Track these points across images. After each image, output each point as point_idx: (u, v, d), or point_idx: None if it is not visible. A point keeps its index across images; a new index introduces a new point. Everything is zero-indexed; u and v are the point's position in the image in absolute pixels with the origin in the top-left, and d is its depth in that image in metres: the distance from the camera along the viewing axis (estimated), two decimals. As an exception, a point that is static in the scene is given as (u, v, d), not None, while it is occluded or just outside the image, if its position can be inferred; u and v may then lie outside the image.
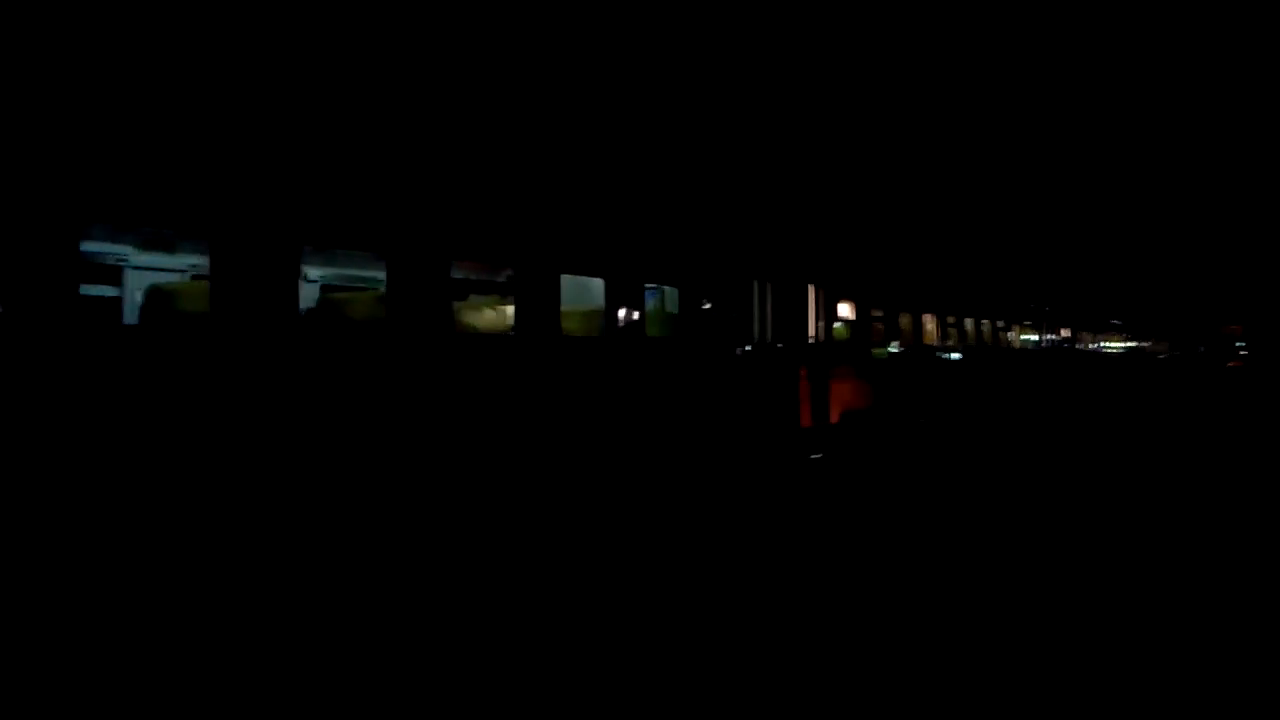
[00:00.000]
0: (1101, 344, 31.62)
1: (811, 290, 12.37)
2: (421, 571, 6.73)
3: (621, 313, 9.43)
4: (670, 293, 10.52)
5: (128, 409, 5.40)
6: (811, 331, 12.30)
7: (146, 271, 7.85)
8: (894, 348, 14.10)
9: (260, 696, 4.21)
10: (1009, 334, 20.19)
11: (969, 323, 16.97)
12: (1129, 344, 35.90)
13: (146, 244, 7.70)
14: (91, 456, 5.21)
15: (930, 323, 15.39)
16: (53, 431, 5.04)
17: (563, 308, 8.74)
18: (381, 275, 7.78)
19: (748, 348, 11.08)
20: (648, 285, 9.92)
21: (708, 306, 10.56)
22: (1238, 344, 56.57)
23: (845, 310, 12.99)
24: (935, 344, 15.53)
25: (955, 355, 16.32)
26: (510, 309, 8.40)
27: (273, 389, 6.20)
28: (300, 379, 6.38)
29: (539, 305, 8.39)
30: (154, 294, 6.94)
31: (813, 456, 11.84)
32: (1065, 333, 25.41)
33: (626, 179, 10.30)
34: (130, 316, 7.56)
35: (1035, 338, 22.73)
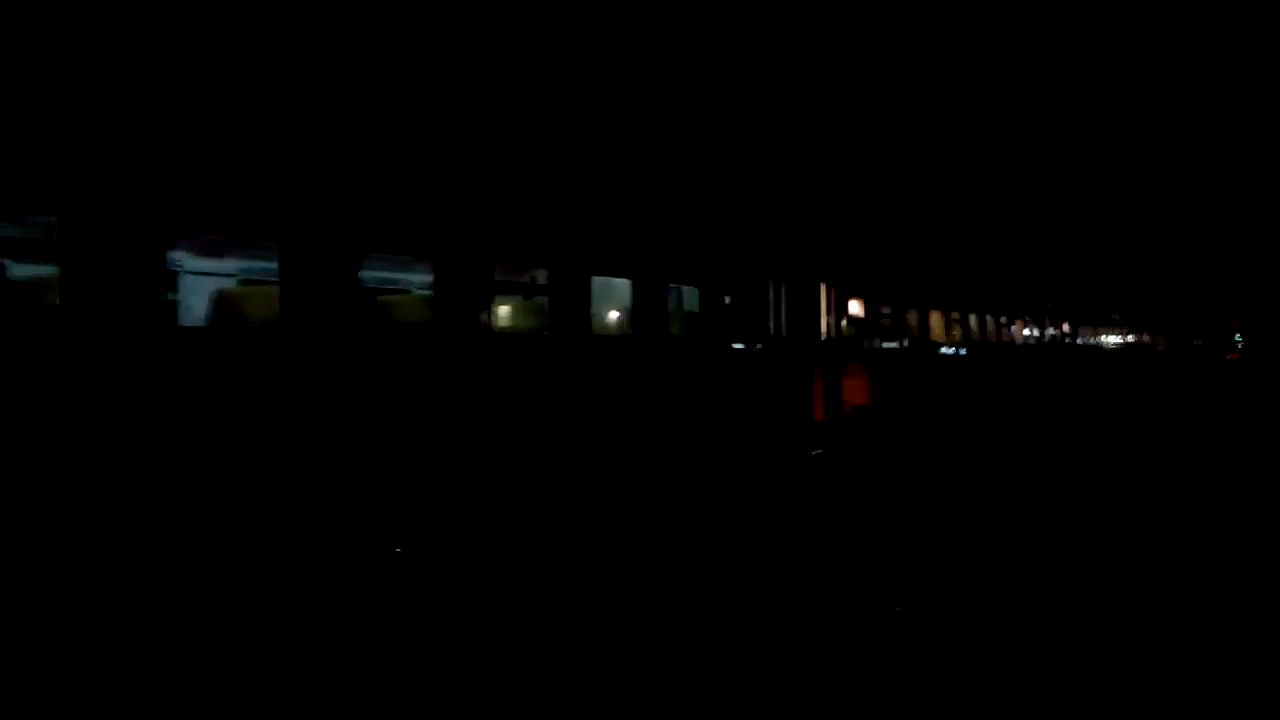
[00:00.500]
0: (1101, 338, 32.13)
1: (823, 288, 12.86)
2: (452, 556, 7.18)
3: (647, 311, 9.92)
4: (690, 292, 11.01)
5: (208, 406, 5.88)
6: (824, 328, 12.80)
7: (200, 276, 8.35)
8: (895, 343, 14.59)
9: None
10: (1010, 328, 20.68)
11: (973, 318, 17.48)
12: (1128, 338, 36.41)
13: (202, 250, 8.18)
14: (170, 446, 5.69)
15: (936, 318, 15.89)
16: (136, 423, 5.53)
17: (592, 307, 9.23)
18: (417, 278, 8.31)
19: (759, 345, 11.57)
20: (670, 285, 10.40)
21: (727, 303, 11.05)
22: (1235, 337, 57.08)
23: (855, 307, 13.49)
24: (941, 339, 16.04)
25: (960, 349, 16.82)
26: (544, 308, 8.89)
27: (336, 386, 6.68)
28: (358, 376, 6.87)
29: (572, 305, 8.87)
30: (219, 298, 7.42)
31: (814, 453, 12.22)
32: (1066, 327, 25.92)
33: (649, 184, 10.76)
34: (189, 319, 8.03)
35: (1036, 332, 23.23)
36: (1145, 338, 40.31)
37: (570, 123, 10.53)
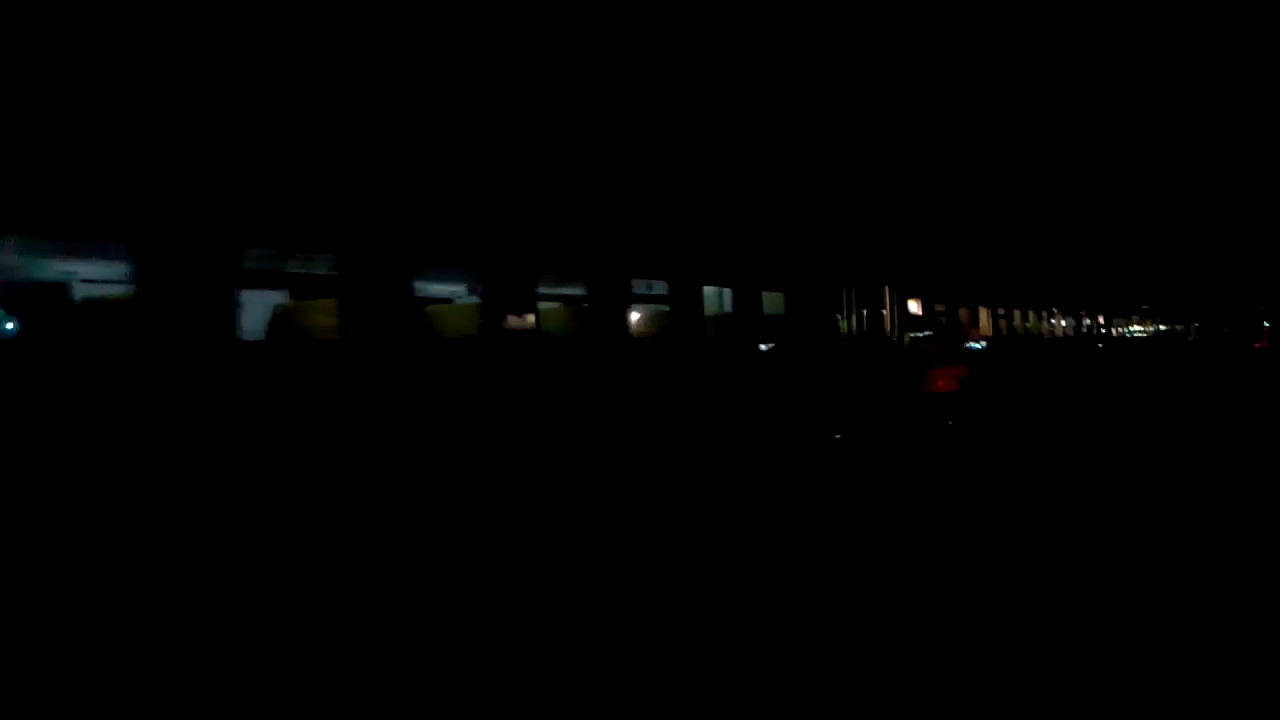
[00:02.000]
0: (1132, 328, 33.37)
1: (886, 290, 14.44)
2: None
3: (743, 312, 11.55)
4: (775, 296, 12.62)
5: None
6: (888, 325, 14.37)
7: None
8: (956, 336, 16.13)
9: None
10: (1050, 320, 22.13)
11: (1017, 313, 19.00)
12: (1160, 327, 37.56)
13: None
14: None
15: (984, 313, 17.42)
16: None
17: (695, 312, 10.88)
18: (576, 291, 9.91)
19: (838, 339, 13.18)
20: (765, 290, 12.03)
21: (809, 306, 12.67)
22: (1265, 324, 57.35)
23: (914, 306, 15.04)
24: (989, 332, 17.57)
25: (1005, 340, 18.33)
26: (665, 315, 10.53)
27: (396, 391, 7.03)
28: (418, 381, 7.26)
29: (690, 310, 10.53)
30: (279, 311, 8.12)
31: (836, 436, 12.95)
32: (1100, 319, 27.29)
33: (744, 210, 12.36)
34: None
35: (1071, 322, 24.62)
36: (1176, 327, 41.33)
37: (685, 163, 12.00)
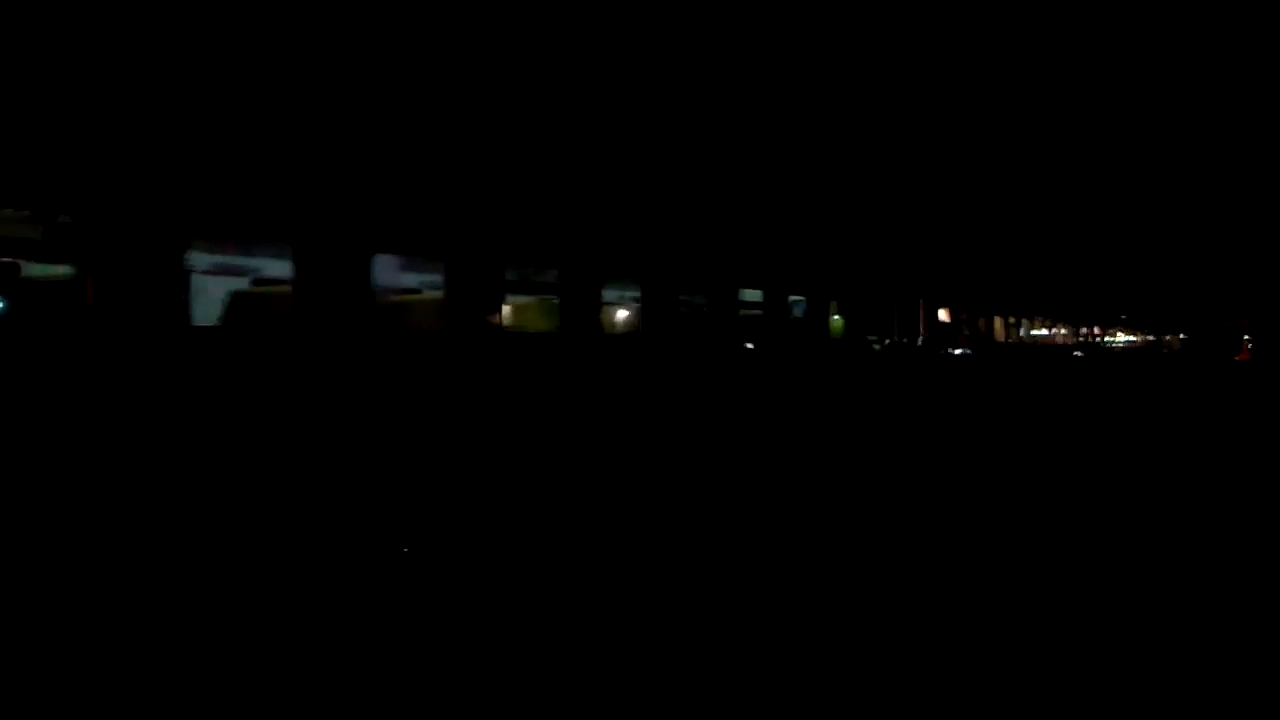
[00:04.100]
0: (1116, 338, 36.15)
1: (920, 303, 17.34)
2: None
3: (813, 318, 14.41)
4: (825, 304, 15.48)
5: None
6: (921, 332, 17.26)
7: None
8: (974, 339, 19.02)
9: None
10: (1047, 330, 25.11)
11: (1024, 322, 21.97)
12: (1147, 338, 40.33)
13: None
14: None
15: (999, 321, 20.37)
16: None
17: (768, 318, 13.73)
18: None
19: (887, 341, 16.06)
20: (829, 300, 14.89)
21: (860, 316, 15.55)
22: (1245, 337, 58.90)
23: (943, 314, 17.94)
24: (1002, 338, 20.49)
25: (1013, 344, 21.24)
26: (751, 322, 13.35)
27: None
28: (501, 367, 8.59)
29: (776, 315, 13.36)
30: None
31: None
32: (1095, 329, 30.23)
33: (810, 237, 15.13)
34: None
35: (1063, 332, 27.57)
36: (1157, 338, 43.80)
37: (783, 202, 14.33)
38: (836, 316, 15.32)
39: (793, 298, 14.45)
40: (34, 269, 6.55)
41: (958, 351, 19.89)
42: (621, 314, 11.88)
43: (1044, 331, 25.40)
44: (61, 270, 6.12)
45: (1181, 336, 53.53)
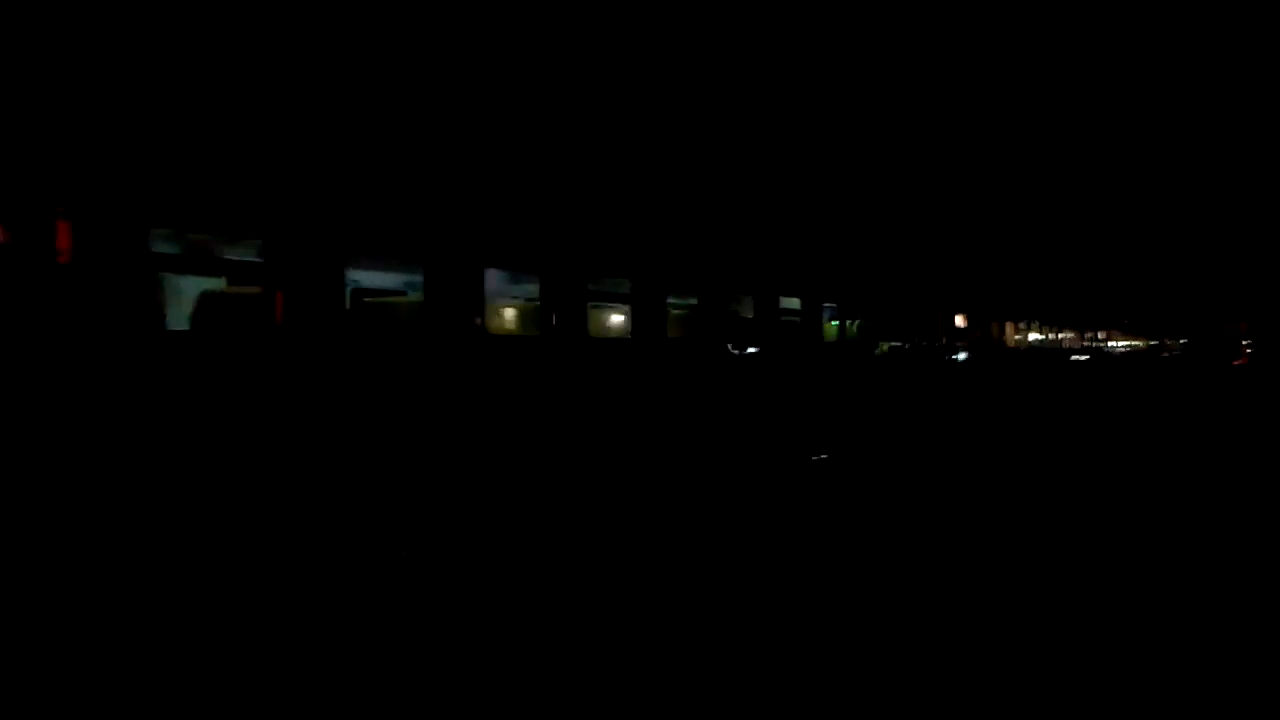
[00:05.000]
0: (1115, 342, 37.28)
1: (938, 310, 18.61)
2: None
3: (848, 329, 15.70)
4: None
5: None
6: (940, 337, 18.54)
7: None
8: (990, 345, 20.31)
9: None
10: (1050, 334, 26.43)
11: (1035, 327, 23.28)
12: (1149, 342, 41.46)
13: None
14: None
15: (1010, 327, 21.69)
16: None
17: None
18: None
19: (907, 346, 17.36)
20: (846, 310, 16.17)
21: (879, 321, 16.84)
22: (1243, 341, 59.58)
23: (960, 320, 19.23)
24: (1014, 343, 21.80)
25: (1024, 348, 22.54)
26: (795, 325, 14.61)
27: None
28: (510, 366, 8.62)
29: (811, 322, 14.64)
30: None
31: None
32: (1100, 334, 31.47)
33: (840, 254, 16.46)
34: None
35: (1066, 335, 28.87)
36: (1155, 342, 44.85)
37: (819, 219, 15.66)
38: (856, 321, 16.64)
39: (824, 304, 15.75)
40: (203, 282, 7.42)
41: (960, 356, 21.18)
42: (682, 318, 13.05)
43: (1049, 336, 26.74)
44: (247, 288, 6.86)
45: (1182, 341, 54.70)
